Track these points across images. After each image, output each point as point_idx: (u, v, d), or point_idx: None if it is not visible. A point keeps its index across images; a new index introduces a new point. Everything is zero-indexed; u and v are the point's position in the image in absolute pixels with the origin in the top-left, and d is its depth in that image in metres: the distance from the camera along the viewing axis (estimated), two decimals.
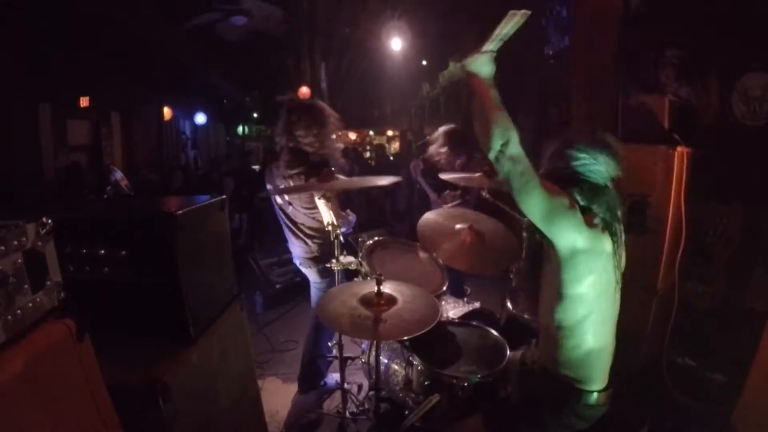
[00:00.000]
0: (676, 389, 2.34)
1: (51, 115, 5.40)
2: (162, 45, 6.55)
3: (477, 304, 2.46)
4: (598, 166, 1.39)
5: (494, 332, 1.95)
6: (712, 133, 2.41)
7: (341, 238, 2.40)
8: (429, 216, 2.49)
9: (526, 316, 2.13)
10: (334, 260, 2.35)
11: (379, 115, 13.11)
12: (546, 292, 1.45)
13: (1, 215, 0.90)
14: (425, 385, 1.73)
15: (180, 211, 1.35)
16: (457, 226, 2.37)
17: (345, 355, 2.45)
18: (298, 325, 3.75)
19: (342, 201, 2.71)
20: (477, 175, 2.53)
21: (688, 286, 2.48)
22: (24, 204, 3.70)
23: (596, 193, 1.39)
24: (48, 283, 0.93)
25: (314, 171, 2.40)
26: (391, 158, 10.97)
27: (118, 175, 4.34)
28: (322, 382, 2.89)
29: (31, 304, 0.87)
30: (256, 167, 8.40)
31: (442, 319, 2.07)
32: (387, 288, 1.71)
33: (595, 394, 1.41)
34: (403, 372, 1.86)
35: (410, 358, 1.80)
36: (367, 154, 13.83)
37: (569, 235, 1.30)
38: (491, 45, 1.33)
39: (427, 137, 9.16)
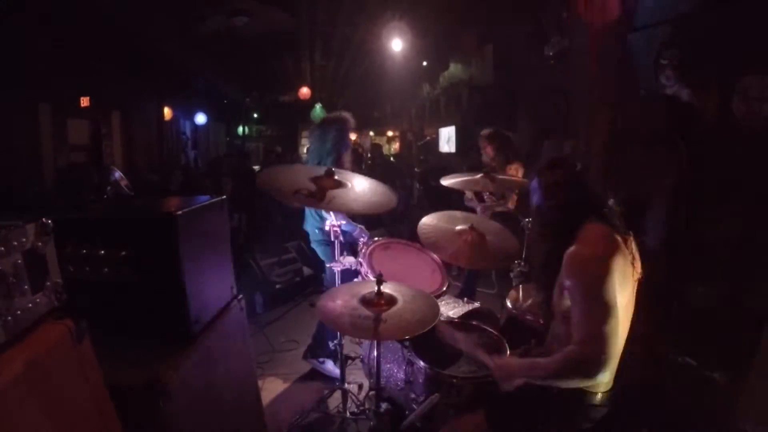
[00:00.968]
0: (676, 389, 2.34)
1: (51, 115, 5.40)
2: (162, 45, 6.54)
3: (477, 304, 2.46)
4: None
5: (494, 332, 1.95)
6: (712, 133, 2.41)
7: (341, 239, 2.40)
8: (427, 220, 2.47)
9: (528, 317, 2.13)
10: (334, 261, 2.36)
11: (379, 115, 13.11)
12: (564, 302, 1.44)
13: (1, 215, 0.90)
14: (425, 385, 1.73)
15: (180, 211, 1.35)
16: (458, 228, 2.37)
17: (345, 355, 2.45)
18: (298, 325, 3.75)
19: None
20: (478, 176, 2.54)
21: (688, 286, 2.48)
22: (24, 204, 3.70)
23: (613, 213, 1.42)
24: (48, 283, 0.93)
25: None
26: (392, 159, 10.95)
27: (118, 175, 4.33)
28: (322, 360, 2.99)
29: (30, 305, 0.87)
30: (256, 167, 8.39)
31: (442, 319, 2.07)
32: (387, 288, 1.71)
33: (599, 395, 1.41)
34: (403, 372, 1.86)
35: (410, 358, 1.81)
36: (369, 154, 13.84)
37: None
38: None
39: (428, 137, 9.17)
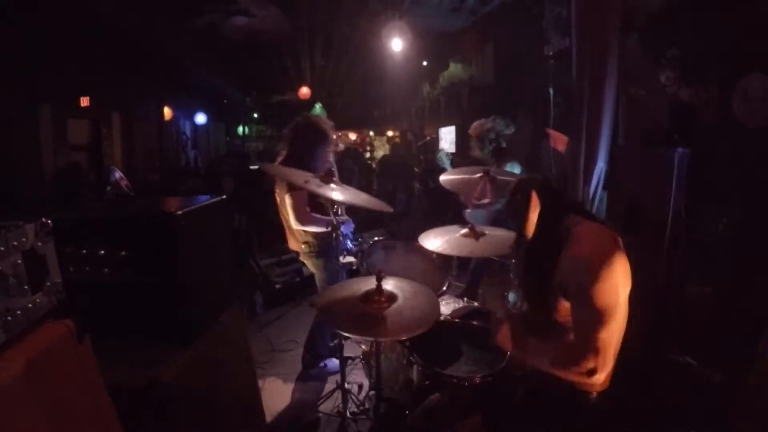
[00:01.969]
0: (676, 389, 2.34)
1: (51, 115, 5.40)
2: (162, 45, 6.55)
3: (476, 304, 2.46)
4: None
5: None
6: (712, 133, 2.40)
7: (341, 238, 2.40)
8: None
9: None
10: (334, 260, 2.36)
11: (379, 115, 13.10)
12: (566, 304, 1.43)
13: (1, 215, 0.90)
14: (425, 385, 1.73)
15: (180, 211, 1.35)
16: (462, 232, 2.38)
17: (345, 355, 2.45)
18: (298, 325, 3.75)
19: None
20: (478, 175, 2.54)
21: (688, 286, 2.48)
22: (24, 204, 3.70)
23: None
24: (48, 283, 0.93)
25: None
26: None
27: (118, 175, 4.34)
28: (323, 364, 2.97)
29: (30, 305, 0.87)
30: (256, 167, 8.38)
31: (442, 319, 2.07)
32: (387, 285, 1.71)
33: (597, 395, 1.41)
34: (403, 372, 1.86)
35: (410, 358, 1.80)
36: (368, 154, 13.82)
37: None
38: None
39: (428, 137, 9.18)
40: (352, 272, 2.52)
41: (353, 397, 2.55)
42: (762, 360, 1.87)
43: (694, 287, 2.48)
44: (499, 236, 2.38)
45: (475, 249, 2.30)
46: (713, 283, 2.41)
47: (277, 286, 4.36)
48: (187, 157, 10.42)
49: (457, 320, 2.20)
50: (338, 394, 2.51)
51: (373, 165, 10.19)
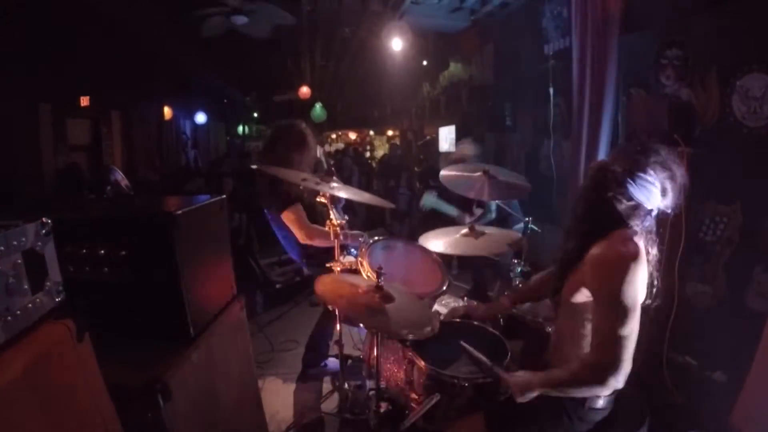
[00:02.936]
0: (676, 389, 2.34)
1: (51, 115, 5.39)
2: (162, 45, 6.54)
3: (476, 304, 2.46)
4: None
5: (494, 332, 1.95)
6: (712, 133, 2.40)
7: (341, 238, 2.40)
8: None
9: (528, 317, 2.13)
10: (334, 260, 2.35)
11: (379, 114, 13.09)
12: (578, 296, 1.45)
13: (1, 215, 0.90)
14: (425, 385, 1.73)
15: (180, 211, 1.35)
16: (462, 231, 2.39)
17: (345, 355, 2.45)
18: (298, 325, 3.74)
19: (342, 201, 2.73)
20: (477, 174, 2.53)
21: (688, 286, 2.48)
22: (24, 204, 3.70)
23: None
24: (48, 283, 0.93)
25: None
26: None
27: (118, 175, 4.34)
28: (323, 364, 2.98)
29: (30, 305, 0.87)
30: (256, 167, 8.37)
31: (442, 319, 2.07)
32: (388, 287, 1.72)
33: (601, 398, 1.41)
34: (403, 372, 1.86)
35: (410, 358, 1.80)
36: (368, 154, 13.82)
37: None
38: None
39: (428, 137, 9.15)
40: (352, 273, 2.52)
41: (353, 397, 2.55)
42: (762, 360, 1.88)
43: (694, 287, 2.49)
44: (497, 235, 2.38)
45: (476, 248, 2.30)
46: (713, 283, 2.41)
47: (277, 286, 4.36)
48: (187, 157, 10.41)
49: (457, 320, 2.20)
50: (338, 394, 2.51)
51: (374, 164, 10.19)
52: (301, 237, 2.61)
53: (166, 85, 8.46)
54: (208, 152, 11.97)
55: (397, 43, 6.02)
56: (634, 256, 1.31)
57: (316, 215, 2.65)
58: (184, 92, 9.46)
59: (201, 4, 5.01)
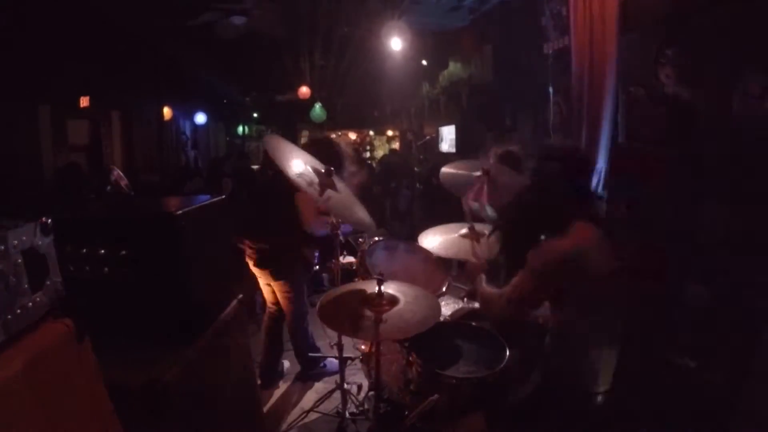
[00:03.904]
0: (676, 389, 2.34)
1: (51, 116, 5.39)
2: (162, 45, 6.55)
3: (477, 304, 2.46)
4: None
5: (494, 332, 1.95)
6: (712, 133, 2.40)
7: (341, 238, 2.40)
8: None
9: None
10: (334, 260, 2.35)
11: (379, 114, 13.08)
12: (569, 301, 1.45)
13: (1, 215, 0.90)
14: (425, 385, 1.73)
15: (180, 211, 1.35)
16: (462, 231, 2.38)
17: (345, 355, 2.45)
18: None
19: None
20: (477, 174, 2.53)
21: (687, 286, 2.48)
22: (24, 204, 3.69)
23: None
24: (48, 282, 0.93)
25: None
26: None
27: (118, 174, 4.34)
28: (322, 364, 2.99)
29: (30, 304, 0.87)
30: (256, 167, 8.37)
31: (442, 319, 2.07)
32: (389, 289, 1.71)
33: (599, 396, 1.41)
34: (403, 372, 1.86)
35: (410, 358, 1.80)
36: (367, 154, 13.80)
37: None
38: None
39: (427, 137, 9.14)
40: (351, 273, 2.52)
41: (353, 397, 2.55)
42: (762, 360, 1.88)
43: (693, 287, 2.49)
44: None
45: (476, 249, 2.29)
46: (713, 283, 2.41)
47: None
48: (186, 157, 10.41)
49: (457, 321, 2.20)
50: (338, 394, 2.51)
51: (374, 165, 10.18)
52: (307, 218, 2.59)
53: (166, 85, 8.46)
54: (208, 152, 11.97)
55: (396, 43, 6.02)
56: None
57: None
58: (183, 92, 9.46)
59: (201, 4, 5.01)
